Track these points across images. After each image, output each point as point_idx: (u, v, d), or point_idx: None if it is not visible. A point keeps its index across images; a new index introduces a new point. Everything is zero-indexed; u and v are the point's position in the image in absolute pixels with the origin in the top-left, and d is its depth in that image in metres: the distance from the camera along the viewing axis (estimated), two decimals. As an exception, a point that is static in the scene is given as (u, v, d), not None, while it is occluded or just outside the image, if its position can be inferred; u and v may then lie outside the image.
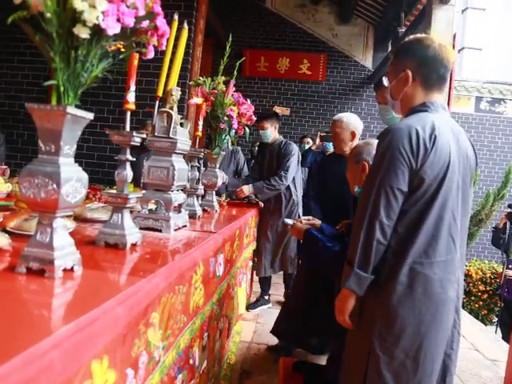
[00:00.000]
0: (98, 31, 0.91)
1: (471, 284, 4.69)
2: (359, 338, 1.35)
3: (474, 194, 7.62)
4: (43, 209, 0.93)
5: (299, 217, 3.31)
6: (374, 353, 1.27)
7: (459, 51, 12.35)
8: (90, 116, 0.98)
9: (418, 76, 1.38)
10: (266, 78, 8.44)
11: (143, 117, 4.34)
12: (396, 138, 1.26)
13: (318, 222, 2.04)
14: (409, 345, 1.24)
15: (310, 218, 2.10)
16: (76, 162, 0.99)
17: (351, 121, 2.70)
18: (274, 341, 2.93)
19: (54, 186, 0.90)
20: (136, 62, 1.33)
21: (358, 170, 1.77)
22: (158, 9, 1.06)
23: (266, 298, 3.79)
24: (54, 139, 0.92)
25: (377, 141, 1.88)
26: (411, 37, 1.44)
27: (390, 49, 7.94)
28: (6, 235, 1.13)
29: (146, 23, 1.04)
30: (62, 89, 0.92)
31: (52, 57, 0.90)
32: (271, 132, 3.61)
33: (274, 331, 2.61)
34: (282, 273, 3.79)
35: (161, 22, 1.07)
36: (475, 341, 3.29)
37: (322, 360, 2.33)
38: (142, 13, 1.00)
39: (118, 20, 0.92)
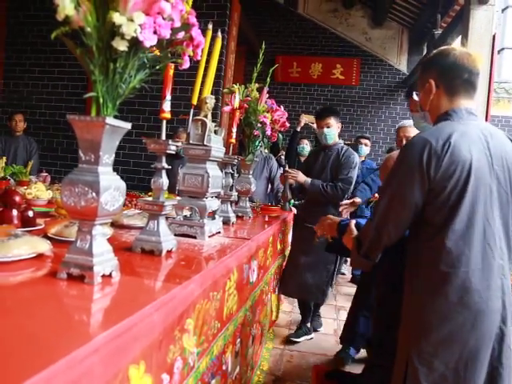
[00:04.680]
0: (135, 43, 0.93)
1: None
2: (399, 351, 1.33)
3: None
4: (83, 216, 0.96)
5: None
6: (412, 365, 1.24)
7: (499, 52, 11.96)
8: (128, 126, 1.01)
9: (440, 83, 1.37)
10: (299, 84, 8.44)
11: (177, 124, 4.42)
12: (409, 153, 1.28)
13: (358, 199, 1.97)
14: (448, 355, 1.21)
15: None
16: (112, 168, 1.01)
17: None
18: (307, 348, 2.91)
19: (94, 194, 0.92)
20: (171, 72, 1.36)
21: None
22: (193, 20, 1.08)
23: (309, 325, 3.18)
24: (93, 149, 0.95)
25: None
26: (434, 51, 1.45)
27: (425, 51, 7.80)
28: (48, 241, 1.17)
29: (181, 34, 1.06)
30: (101, 100, 0.95)
31: (92, 69, 0.94)
32: (336, 131, 3.00)
33: (342, 340, 2.61)
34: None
35: (196, 32, 1.09)
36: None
37: (355, 369, 2.30)
38: (177, 24, 1.02)
39: (155, 32, 0.95)
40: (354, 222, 1.60)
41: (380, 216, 1.34)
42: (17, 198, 1.52)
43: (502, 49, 11.81)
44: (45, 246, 1.13)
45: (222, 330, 1.41)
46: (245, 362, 1.91)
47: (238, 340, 1.72)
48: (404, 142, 2.71)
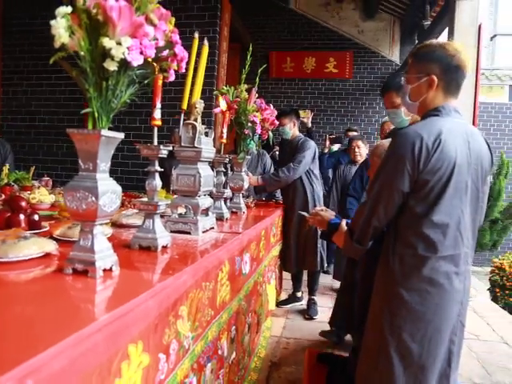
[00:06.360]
0: (124, 64, 1.05)
1: (505, 278, 4.61)
2: (372, 323, 1.47)
3: (509, 185, 7.44)
4: (85, 218, 1.08)
5: None
6: (384, 335, 1.38)
7: (491, 39, 12.01)
8: (121, 136, 1.13)
9: (440, 82, 1.45)
10: (293, 79, 8.53)
11: (173, 124, 4.54)
12: (402, 143, 1.38)
13: (331, 213, 2.05)
14: (415, 330, 1.35)
15: (324, 208, 2.16)
16: (112, 170, 1.14)
17: None
18: (303, 335, 3.05)
19: (93, 198, 1.05)
20: (160, 83, 1.48)
21: None
22: (176, 38, 1.20)
23: (298, 295, 3.88)
24: (91, 158, 1.07)
25: None
26: (434, 42, 1.51)
27: (416, 42, 7.88)
28: (54, 242, 1.29)
29: (166, 51, 1.18)
30: (96, 115, 1.07)
31: (87, 88, 1.06)
32: (290, 128, 3.70)
33: (331, 323, 2.74)
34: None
35: (179, 49, 1.21)
36: (505, 334, 3.29)
37: (347, 352, 2.43)
38: (161, 43, 1.14)
39: (141, 53, 1.07)
40: (345, 221, 1.72)
41: (372, 199, 1.47)
42: (23, 204, 1.64)
43: (495, 35, 11.85)
44: (51, 246, 1.25)
45: (216, 318, 1.54)
46: (241, 348, 2.04)
47: (233, 327, 1.85)
48: None
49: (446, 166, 1.33)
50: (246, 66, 2.66)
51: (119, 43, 1.02)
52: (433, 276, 1.36)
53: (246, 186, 2.73)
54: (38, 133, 5.52)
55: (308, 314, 3.54)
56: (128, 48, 1.03)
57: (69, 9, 0.97)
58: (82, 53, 1.02)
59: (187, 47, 1.39)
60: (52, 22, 0.97)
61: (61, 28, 0.96)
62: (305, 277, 3.82)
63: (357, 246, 1.53)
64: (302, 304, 3.82)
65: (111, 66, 1.03)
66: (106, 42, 1.01)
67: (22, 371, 0.59)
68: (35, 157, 5.43)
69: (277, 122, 2.90)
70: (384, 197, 1.42)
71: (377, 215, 1.45)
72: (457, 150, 1.35)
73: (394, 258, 1.43)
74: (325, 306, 3.69)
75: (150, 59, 1.14)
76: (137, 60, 1.05)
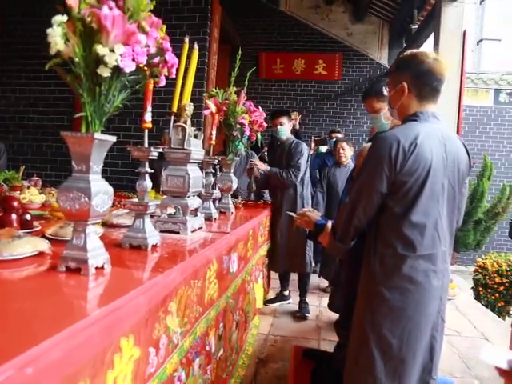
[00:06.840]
0: (117, 70, 1.10)
1: (487, 276, 4.71)
2: (357, 324, 1.53)
3: (493, 186, 7.59)
4: (78, 218, 1.13)
5: None
6: (365, 331, 1.45)
7: (478, 43, 12.21)
8: (113, 139, 1.17)
9: (412, 88, 1.53)
10: (283, 80, 8.59)
11: (163, 125, 4.57)
12: (380, 146, 1.45)
13: (318, 214, 2.09)
14: (395, 325, 1.41)
15: (311, 209, 2.20)
16: (102, 169, 1.18)
17: None
18: (290, 333, 3.11)
19: (86, 198, 1.09)
20: (151, 87, 1.53)
21: None
22: (166, 45, 1.25)
23: (286, 293, 3.94)
24: (84, 160, 1.12)
25: None
26: (409, 52, 1.60)
27: (404, 45, 7.99)
28: (46, 241, 1.33)
29: (157, 58, 1.23)
30: (89, 119, 1.12)
31: (81, 93, 1.10)
32: (287, 129, 3.71)
33: (330, 306, 2.77)
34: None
35: (170, 56, 1.25)
36: (485, 330, 3.39)
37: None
38: (153, 50, 1.19)
39: (133, 59, 1.11)
40: (330, 222, 1.78)
41: (352, 199, 1.53)
42: (15, 204, 1.67)
43: (481, 40, 12.05)
44: (44, 245, 1.29)
45: (204, 314, 1.59)
46: (229, 345, 2.10)
47: (221, 324, 1.90)
48: None
49: (422, 168, 1.40)
50: (236, 69, 2.71)
51: (112, 50, 1.06)
52: (412, 274, 1.42)
53: (234, 186, 2.77)
54: (26, 132, 5.52)
55: (300, 313, 3.60)
56: (121, 55, 1.07)
57: (65, 17, 1.02)
58: (77, 59, 1.06)
59: (177, 49, 1.44)
60: (48, 30, 1.01)
61: (57, 36, 1.00)
62: (293, 276, 3.88)
63: (339, 244, 1.59)
64: (290, 302, 3.88)
65: (104, 73, 1.07)
66: (100, 49, 1.05)
67: (22, 360, 0.64)
68: (24, 156, 5.43)
69: (265, 125, 2.95)
70: (364, 197, 1.49)
71: (357, 215, 1.51)
72: (432, 152, 1.42)
73: (375, 258, 1.49)
74: (312, 305, 3.76)
75: (141, 65, 1.19)
76: (129, 67, 1.10)
